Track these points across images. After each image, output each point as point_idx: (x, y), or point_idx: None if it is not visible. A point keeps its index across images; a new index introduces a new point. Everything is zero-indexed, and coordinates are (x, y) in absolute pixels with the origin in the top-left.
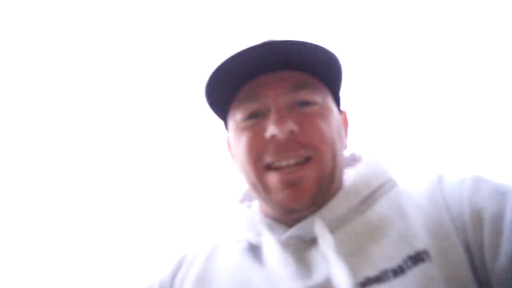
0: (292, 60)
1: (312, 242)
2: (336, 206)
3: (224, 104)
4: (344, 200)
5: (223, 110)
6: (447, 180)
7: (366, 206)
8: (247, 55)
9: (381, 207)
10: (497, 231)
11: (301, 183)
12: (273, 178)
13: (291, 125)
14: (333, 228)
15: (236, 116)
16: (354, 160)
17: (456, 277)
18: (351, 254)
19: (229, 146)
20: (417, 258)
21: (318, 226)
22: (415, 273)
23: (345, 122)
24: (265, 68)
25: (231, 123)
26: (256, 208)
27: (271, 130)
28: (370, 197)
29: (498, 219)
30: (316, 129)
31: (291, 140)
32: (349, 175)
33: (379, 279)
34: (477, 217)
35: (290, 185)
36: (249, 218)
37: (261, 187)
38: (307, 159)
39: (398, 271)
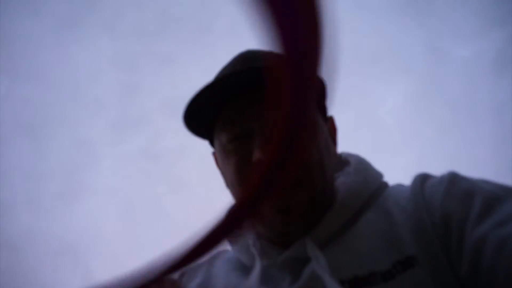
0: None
1: (308, 260)
2: (328, 225)
3: (206, 125)
4: (335, 218)
5: (206, 131)
6: (428, 181)
7: (356, 216)
8: (226, 79)
9: (370, 215)
10: (461, 238)
11: (294, 209)
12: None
13: None
14: (325, 244)
15: (221, 138)
16: (342, 163)
17: (444, 283)
18: (341, 258)
19: (216, 161)
20: (406, 263)
21: (310, 248)
22: (404, 278)
23: (332, 129)
24: (245, 88)
25: (216, 143)
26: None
27: (257, 155)
28: (360, 208)
29: (463, 224)
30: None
31: None
32: (340, 185)
33: (367, 280)
34: (447, 223)
35: (282, 211)
36: (241, 240)
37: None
38: (298, 182)
39: (387, 275)
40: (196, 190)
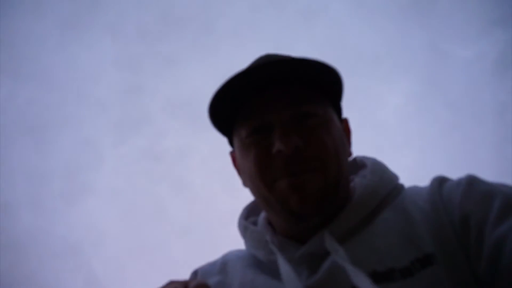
0: (291, 75)
1: (325, 255)
2: (345, 220)
3: (228, 121)
4: (352, 214)
5: (227, 127)
6: (446, 183)
7: (374, 215)
8: (247, 74)
9: (388, 214)
10: (480, 237)
11: (308, 186)
12: (282, 185)
13: (296, 140)
14: (343, 240)
15: (241, 133)
16: (357, 166)
17: (462, 281)
18: (359, 253)
19: (234, 160)
20: (425, 261)
21: (329, 241)
22: (423, 276)
23: (346, 130)
24: (265, 84)
25: (236, 139)
26: (263, 224)
27: (277, 145)
28: (377, 207)
29: (482, 225)
30: (320, 142)
31: (297, 154)
32: (357, 184)
33: (386, 276)
34: (466, 222)
35: (298, 187)
36: (258, 237)
37: (273, 198)
38: (313, 168)
39: (406, 272)
40: (197, 191)
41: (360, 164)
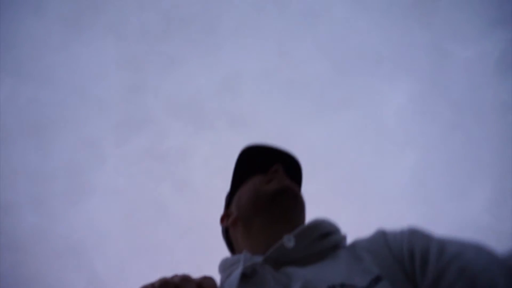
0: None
1: (284, 263)
2: (303, 232)
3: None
4: (307, 230)
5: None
6: (388, 231)
7: (331, 251)
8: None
9: (342, 253)
10: (425, 261)
11: (292, 187)
12: (271, 185)
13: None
14: (308, 262)
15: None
16: None
17: None
18: (328, 272)
19: (223, 219)
20: (377, 279)
21: (286, 237)
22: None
23: None
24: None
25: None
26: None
27: (276, 166)
28: (325, 236)
29: (425, 252)
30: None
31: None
32: None
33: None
34: (411, 253)
35: (284, 186)
36: (232, 260)
37: (262, 205)
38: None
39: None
40: (199, 190)
41: None
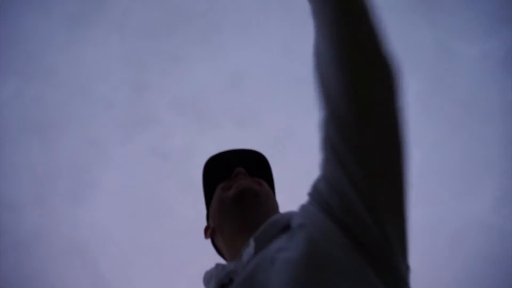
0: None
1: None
2: (263, 231)
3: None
4: (268, 227)
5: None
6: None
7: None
8: (221, 160)
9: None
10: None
11: (251, 188)
12: (232, 190)
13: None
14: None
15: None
16: None
17: (325, 229)
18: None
19: (205, 232)
20: (300, 226)
21: (251, 242)
22: (301, 231)
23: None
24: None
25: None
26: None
27: (238, 169)
28: (287, 228)
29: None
30: (262, 183)
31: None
32: None
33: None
34: (316, 187)
35: (243, 189)
36: (209, 271)
37: (225, 208)
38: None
39: (290, 235)
40: None
41: None
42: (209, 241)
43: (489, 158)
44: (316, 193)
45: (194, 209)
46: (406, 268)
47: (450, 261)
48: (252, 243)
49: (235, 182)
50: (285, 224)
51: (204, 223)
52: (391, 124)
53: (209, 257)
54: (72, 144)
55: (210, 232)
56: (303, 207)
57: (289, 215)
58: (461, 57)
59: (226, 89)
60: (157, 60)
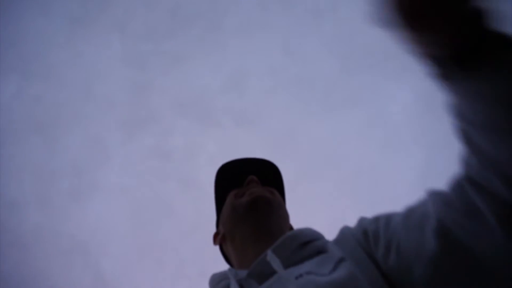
0: (259, 173)
1: (269, 275)
2: (282, 245)
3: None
4: (287, 241)
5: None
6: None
7: (310, 256)
8: (233, 169)
9: (318, 257)
10: (376, 236)
11: (263, 196)
12: (244, 198)
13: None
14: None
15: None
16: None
17: (368, 271)
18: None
19: (214, 239)
20: (340, 261)
21: (270, 254)
22: (341, 267)
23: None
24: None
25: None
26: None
27: (250, 177)
28: (307, 244)
29: (375, 229)
30: (274, 192)
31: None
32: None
33: (319, 274)
34: (365, 235)
35: (256, 196)
36: (219, 276)
37: (237, 216)
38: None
39: (331, 270)
40: (206, 189)
41: None
42: (209, 241)
43: None
44: (376, 236)
45: (195, 209)
46: None
47: None
48: (272, 256)
49: (248, 190)
50: (304, 241)
51: (205, 223)
52: None
53: (210, 257)
54: (73, 144)
55: (219, 238)
56: (344, 236)
57: (312, 234)
58: None
59: (226, 89)
60: (158, 59)
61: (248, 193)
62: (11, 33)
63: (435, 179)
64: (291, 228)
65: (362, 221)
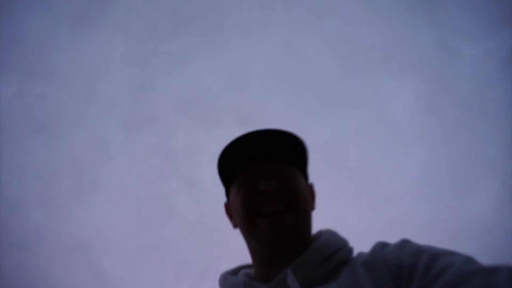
0: (274, 148)
1: None
2: (304, 262)
3: (228, 177)
4: (309, 258)
5: (228, 181)
6: (386, 246)
7: (334, 273)
8: (244, 144)
9: (344, 274)
10: (411, 275)
11: (285, 224)
12: (263, 223)
13: (275, 184)
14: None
15: (237, 183)
16: (320, 234)
17: None
18: None
19: (226, 210)
20: None
21: (289, 276)
22: None
23: (311, 192)
24: (257, 154)
25: (232, 188)
26: (242, 274)
27: (261, 185)
28: (330, 258)
29: (412, 267)
30: (294, 184)
31: (277, 193)
32: (315, 238)
33: None
34: (400, 268)
35: (277, 226)
36: (236, 282)
37: (253, 229)
38: (288, 205)
39: None
40: (207, 188)
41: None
42: (211, 240)
43: (491, 157)
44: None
45: (197, 209)
46: None
47: None
48: (292, 280)
49: (264, 207)
50: (328, 255)
51: (207, 223)
52: None
53: (211, 256)
54: (75, 143)
55: (234, 223)
56: (375, 260)
57: (336, 243)
58: (462, 57)
59: (228, 89)
60: (160, 59)
61: (267, 224)
62: (13, 34)
63: (435, 178)
64: (312, 239)
65: (400, 249)
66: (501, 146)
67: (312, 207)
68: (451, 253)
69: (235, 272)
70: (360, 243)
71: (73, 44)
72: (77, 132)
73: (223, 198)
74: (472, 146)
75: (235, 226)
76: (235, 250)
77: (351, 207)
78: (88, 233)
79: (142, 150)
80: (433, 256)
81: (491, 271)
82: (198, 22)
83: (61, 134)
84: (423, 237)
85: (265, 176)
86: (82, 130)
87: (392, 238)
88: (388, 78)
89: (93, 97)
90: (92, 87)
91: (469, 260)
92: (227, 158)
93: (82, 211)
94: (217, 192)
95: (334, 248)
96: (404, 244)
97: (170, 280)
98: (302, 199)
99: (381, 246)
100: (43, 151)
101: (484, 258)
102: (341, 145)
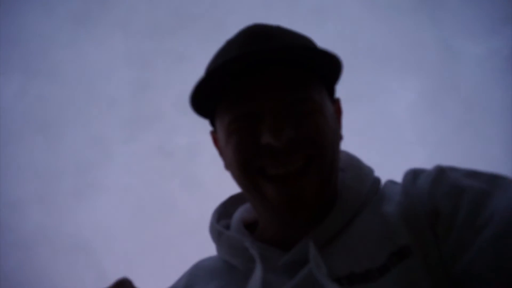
0: (286, 56)
1: (306, 262)
2: (330, 226)
3: (210, 104)
4: (337, 219)
5: (209, 110)
6: (420, 175)
7: (353, 217)
8: (231, 50)
9: (366, 215)
10: (448, 234)
11: (303, 196)
12: (270, 191)
13: (289, 133)
14: (324, 244)
15: (224, 119)
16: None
17: (436, 272)
18: (338, 257)
19: (215, 141)
20: (401, 254)
21: (312, 252)
22: (400, 270)
23: (338, 111)
24: (253, 64)
25: (218, 122)
26: (238, 228)
27: (267, 138)
28: (359, 208)
29: (451, 221)
30: (316, 127)
31: (290, 148)
32: (340, 183)
33: (364, 277)
34: (436, 216)
35: (290, 198)
36: (235, 244)
37: (256, 194)
38: (309, 160)
39: (384, 269)
40: (209, 188)
41: (342, 166)
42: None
43: (493, 156)
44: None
45: (199, 208)
46: None
47: None
48: (312, 251)
49: (272, 168)
50: (358, 207)
51: (208, 221)
52: None
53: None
54: (76, 143)
55: (220, 150)
56: (412, 203)
57: (365, 186)
58: (465, 56)
59: None
60: (161, 58)
61: (273, 191)
62: (13, 32)
63: None
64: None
65: (435, 184)
66: (504, 145)
67: (340, 138)
68: (500, 186)
69: (227, 213)
70: None
71: (74, 43)
72: (78, 131)
73: (224, 197)
74: (474, 145)
75: (226, 167)
76: None
77: None
78: (89, 232)
79: (143, 149)
80: (476, 201)
81: None
82: (200, 21)
83: (61, 133)
84: None
85: (273, 114)
86: (83, 130)
87: None
88: (391, 77)
89: (94, 96)
90: (93, 86)
91: None
92: (212, 77)
93: (83, 210)
94: (218, 191)
95: (362, 198)
96: (440, 177)
97: (170, 280)
98: (330, 146)
99: (412, 177)
100: (43, 151)
101: None
102: (342, 145)
